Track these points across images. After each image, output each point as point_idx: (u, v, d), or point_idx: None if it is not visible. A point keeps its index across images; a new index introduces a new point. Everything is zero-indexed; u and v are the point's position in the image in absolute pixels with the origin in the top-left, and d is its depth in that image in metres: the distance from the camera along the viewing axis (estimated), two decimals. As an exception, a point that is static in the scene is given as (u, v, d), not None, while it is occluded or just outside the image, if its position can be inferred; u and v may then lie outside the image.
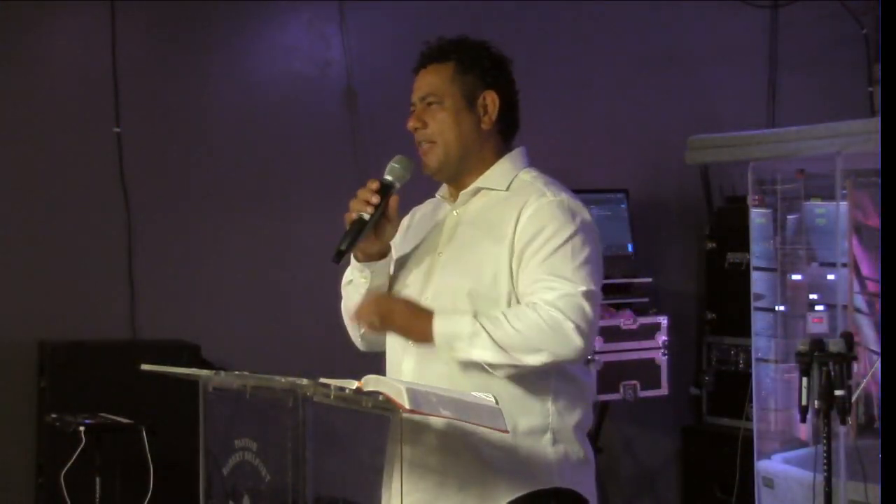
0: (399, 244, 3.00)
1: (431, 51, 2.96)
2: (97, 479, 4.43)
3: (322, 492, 2.47)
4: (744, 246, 5.58)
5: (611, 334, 5.57)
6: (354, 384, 2.47)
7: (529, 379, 2.76)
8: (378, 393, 2.38)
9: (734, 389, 5.87)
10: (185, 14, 5.46)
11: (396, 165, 2.88)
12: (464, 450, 2.74)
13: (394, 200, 2.86)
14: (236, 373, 2.69)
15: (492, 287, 2.81)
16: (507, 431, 2.53)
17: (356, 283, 2.94)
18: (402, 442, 2.62)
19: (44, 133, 5.23)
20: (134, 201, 5.33)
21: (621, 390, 5.63)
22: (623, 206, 5.98)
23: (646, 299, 5.88)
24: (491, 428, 2.47)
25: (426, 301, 2.84)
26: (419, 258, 2.95)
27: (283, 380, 2.49)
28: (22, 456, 5.06)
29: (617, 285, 5.74)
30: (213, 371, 2.76)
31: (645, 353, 5.72)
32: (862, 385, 4.84)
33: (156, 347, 5.07)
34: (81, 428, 4.41)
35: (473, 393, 2.55)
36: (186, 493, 3.35)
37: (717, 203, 6.37)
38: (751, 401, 5.47)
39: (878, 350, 4.89)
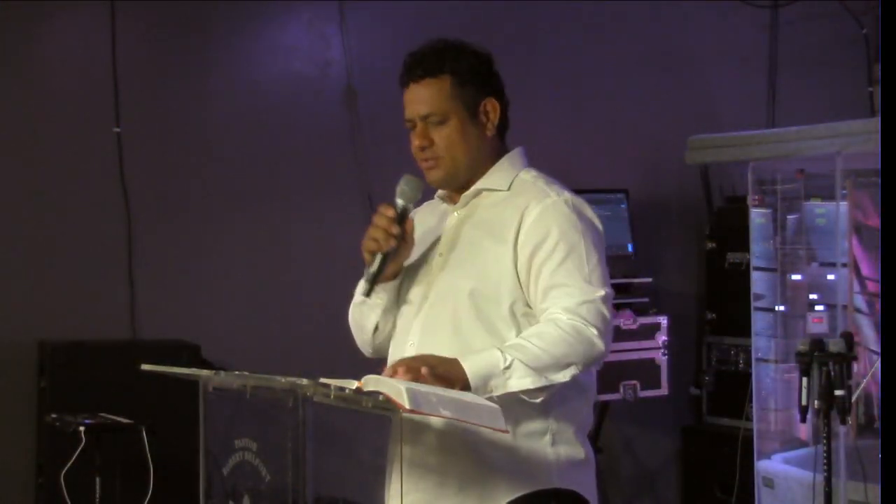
0: (401, 247, 2.99)
1: (420, 64, 2.86)
2: (97, 479, 4.43)
3: (322, 492, 2.47)
4: (744, 246, 5.57)
5: (611, 334, 5.56)
6: (354, 384, 2.47)
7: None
8: (378, 393, 2.38)
9: (734, 389, 5.86)
10: (185, 14, 5.45)
11: (406, 188, 2.83)
12: (464, 450, 2.73)
13: (409, 224, 2.84)
14: (236, 373, 2.69)
15: (494, 287, 2.80)
16: (506, 431, 2.52)
17: (371, 303, 2.91)
18: (402, 442, 2.62)
19: (44, 133, 5.23)
20: (134, 201, 5.33)
21: (621, 390, 5.63)
22: (623, 206, 5.97)
23: (646, 299, 5.87)
24: (491, 428, 2.47)
25: (429, 303, 2.83)
26: (421, 260, 2.94)
27: (283, 380, 2.49)
28: (22, 456, 5.06)
29: (617, 285, 5.68)
30: (213, 371, 2.76)
31: (645, 353, 5.72)
32: (862, 385, 4.83)
33: (156, 347, 5.07)
34: (81, 428, 4.41)
35: (473, 393, 2.55)
36: (186, 493, 3.35)
37: (717, 203, 6.37)
38: (751, 401, 5.46)
39: (878, 350, 4.89)
